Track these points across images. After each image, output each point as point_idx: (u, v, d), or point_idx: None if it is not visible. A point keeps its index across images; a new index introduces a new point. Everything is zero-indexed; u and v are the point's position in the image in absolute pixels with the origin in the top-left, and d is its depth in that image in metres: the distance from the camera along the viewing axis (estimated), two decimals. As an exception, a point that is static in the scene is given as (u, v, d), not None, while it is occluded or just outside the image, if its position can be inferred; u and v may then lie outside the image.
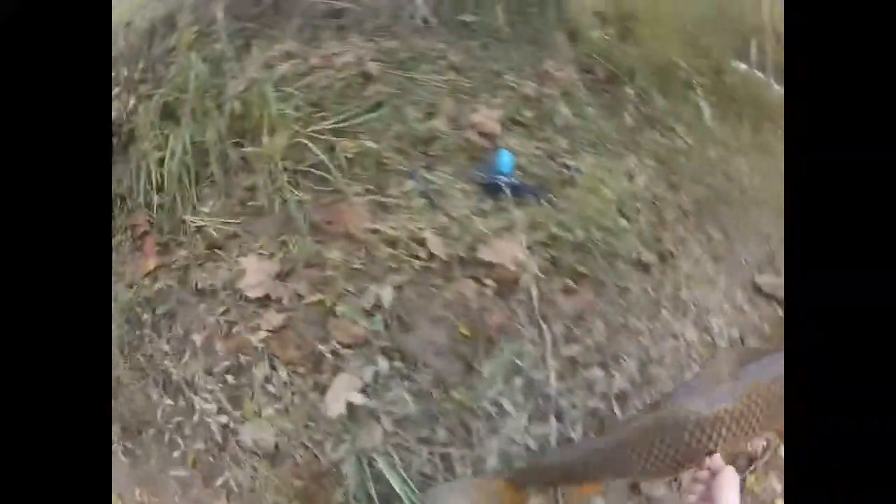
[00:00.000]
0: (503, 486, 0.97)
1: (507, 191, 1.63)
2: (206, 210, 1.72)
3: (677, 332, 1.67)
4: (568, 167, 1.76)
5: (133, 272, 1.72)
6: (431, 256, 1.53)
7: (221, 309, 1.56)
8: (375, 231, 1.55)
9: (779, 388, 0.76)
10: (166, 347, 1.54)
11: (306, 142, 1.63)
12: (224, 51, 1.88)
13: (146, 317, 1.58)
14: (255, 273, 1.53)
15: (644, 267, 1.73)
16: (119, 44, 1.99)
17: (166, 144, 1.80)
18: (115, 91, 1.95)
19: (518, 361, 1.48)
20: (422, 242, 1.52)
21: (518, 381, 1.45)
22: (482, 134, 1.72)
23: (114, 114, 1.93)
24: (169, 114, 1.86)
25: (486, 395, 1.43)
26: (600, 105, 2.01)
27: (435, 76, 1.77)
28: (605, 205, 1.70)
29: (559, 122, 1.85)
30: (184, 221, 1.72)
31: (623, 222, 1.74)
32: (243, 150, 1.68)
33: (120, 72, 1.96)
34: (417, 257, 1.53)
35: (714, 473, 0.82)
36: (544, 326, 1.52)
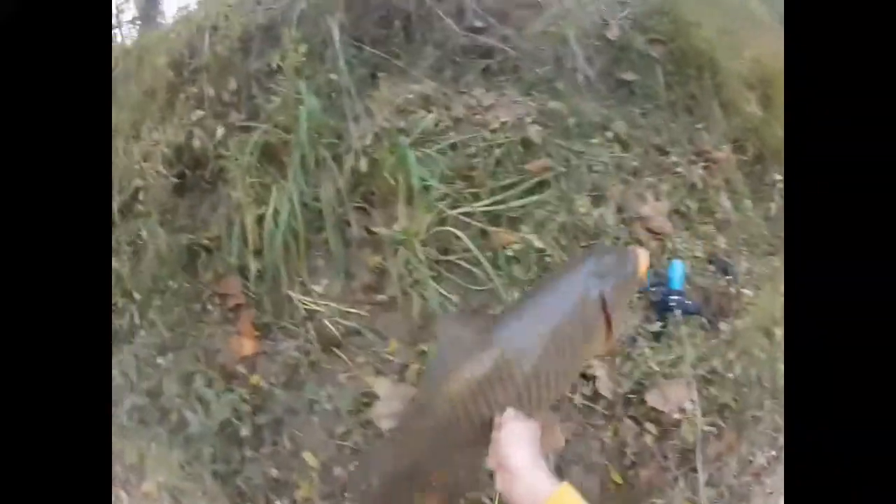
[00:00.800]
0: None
1: (678, 312, 1.30)
2: (318, 289, 1.33)
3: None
4: (727, 275, 1.45)
5: (225, 354, 1.34)
6: (597, 395, 1.22)
7: (342, 430, 1.21)
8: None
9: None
10: (275, 473, 1.19)
11: (454, 231, 1.26)
12: (342, 82, 1.44)
13: (245, 431, 1.22)
14: (388, 401, 1.16)
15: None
16: (203, 53, 1.51)
17: (268, 198, 1.39)
18: (197, 115, 1.49)
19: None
20: (590, 379, 1.21)
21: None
22: (651, 231, 1.39)
23: (195, 143, 1.48)
24: (270, 156, 1.44)
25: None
26: (751, 191, 1.70)
27: (601, 150, 1.40)
28: (766, 338, 1.40)
29: (720, 216, 1.53)
30: (290, 300, 1.35)
31: (779, 353, 1.47)
32: (372, 229, 1.29)
33: (204, 90, 1.50)
34: (580, 393, 1.21)
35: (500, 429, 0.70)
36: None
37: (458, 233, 1.26)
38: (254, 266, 1.35)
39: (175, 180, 1.51)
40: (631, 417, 1.26)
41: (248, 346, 1.33)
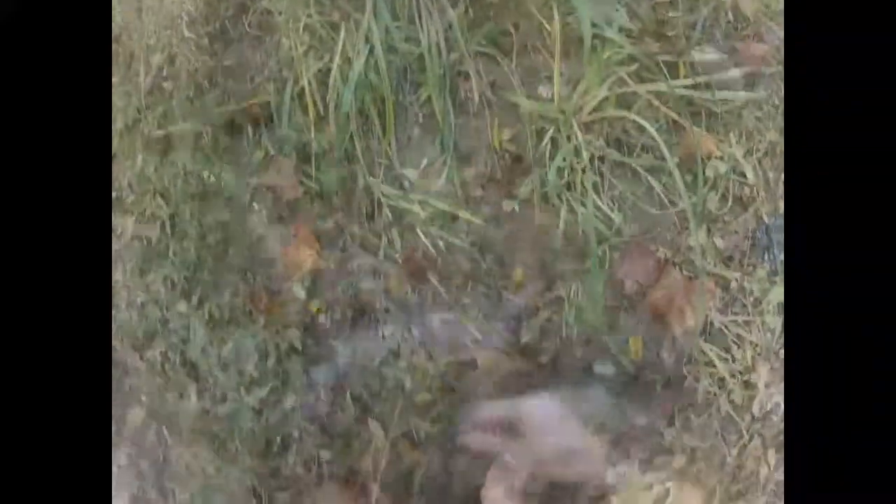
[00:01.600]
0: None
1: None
2: (412, 175, 0.86)
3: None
4: None
5: (279, 259, 0.91)
6: (749, 402, 0.78)
7: (426, 399, 0.77)
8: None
9: None
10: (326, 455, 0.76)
11: (636, 118, 0.73)
12: None
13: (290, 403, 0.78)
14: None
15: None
16: None
17: (334, 43, 0.90)
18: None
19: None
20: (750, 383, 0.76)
21: None
22: None
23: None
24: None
25: None
26: None
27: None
28: None
29: None
30: (369, 192, 0.88)
31: None
32: (504, 91, 0.78)
33: None
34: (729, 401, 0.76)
35: None
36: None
37: (643, 121, 0.74)
38: (315, 144, 0.88)
39: (206, 40, 1.04)
40: (760, 437, 0.82)
41: (308, 257, 0.87)
